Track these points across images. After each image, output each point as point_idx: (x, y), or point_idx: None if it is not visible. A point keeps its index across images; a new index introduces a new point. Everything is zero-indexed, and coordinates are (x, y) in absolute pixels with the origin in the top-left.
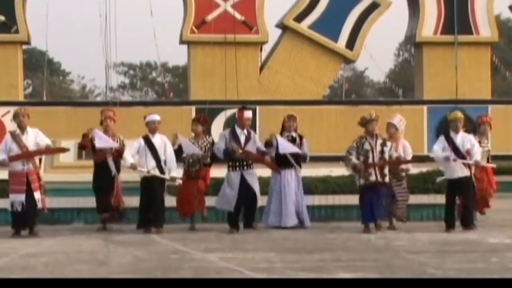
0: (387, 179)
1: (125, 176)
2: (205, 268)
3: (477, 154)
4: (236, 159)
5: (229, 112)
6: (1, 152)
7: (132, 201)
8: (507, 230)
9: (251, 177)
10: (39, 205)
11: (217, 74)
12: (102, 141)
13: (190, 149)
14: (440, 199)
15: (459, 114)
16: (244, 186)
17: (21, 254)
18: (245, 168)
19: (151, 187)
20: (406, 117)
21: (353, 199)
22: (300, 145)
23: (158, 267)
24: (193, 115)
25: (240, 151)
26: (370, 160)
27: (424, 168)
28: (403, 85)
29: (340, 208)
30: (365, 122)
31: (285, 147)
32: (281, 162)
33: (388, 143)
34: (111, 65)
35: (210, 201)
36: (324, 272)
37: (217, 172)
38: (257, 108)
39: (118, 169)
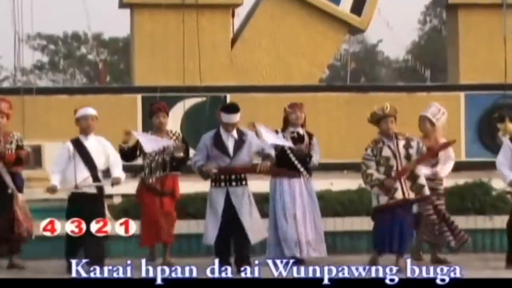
0: (412, 195)
1: (31, 192)
2: None
3: None
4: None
5: (189, 103)
6: None
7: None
8: None
9: (238, 197)
10: None
11: (172, 50)
12: None
13: (155, 144)
14: (483, 222)
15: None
16: (230, 208)
17: None
18: (233, 183)
19: (81, 210)
20: None
21: (362, 223)
22: (309, 146)
23: None
24: (139, 106)
25: (215, 170)
26: (394, 169)
27: (460, 180)
28: (431, 64)
29: (344, 236)
30: (377, 120)
31: (270, 137)
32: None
33: (413, 143)
34: (23, 38)
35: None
36: None
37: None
38: (228, 96)
39: (17, 184)
